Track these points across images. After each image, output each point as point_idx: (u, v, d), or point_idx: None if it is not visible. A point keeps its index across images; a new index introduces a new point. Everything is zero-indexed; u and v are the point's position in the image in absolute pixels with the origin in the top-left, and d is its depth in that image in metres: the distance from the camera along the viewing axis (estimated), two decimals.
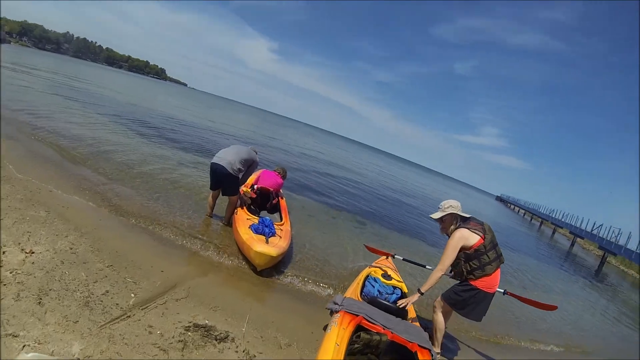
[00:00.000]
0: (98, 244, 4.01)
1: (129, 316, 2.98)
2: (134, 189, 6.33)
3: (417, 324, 3.44)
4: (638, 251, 19.81)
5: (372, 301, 3.53)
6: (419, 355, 2.77)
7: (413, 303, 3.57)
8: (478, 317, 3.64)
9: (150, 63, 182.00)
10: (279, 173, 6.72)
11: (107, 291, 3.22)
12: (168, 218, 5.49)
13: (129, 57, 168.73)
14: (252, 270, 4.62)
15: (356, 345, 2.87)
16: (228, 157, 5.39)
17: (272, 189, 6.33)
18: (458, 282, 3.69)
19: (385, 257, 5.11)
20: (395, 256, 4.95)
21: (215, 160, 5.41)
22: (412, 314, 3.69)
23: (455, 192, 53.46)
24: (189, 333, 2.98)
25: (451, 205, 3.62)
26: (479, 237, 3.43)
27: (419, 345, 2.84)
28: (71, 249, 3.75)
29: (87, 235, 4.14)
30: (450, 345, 4.43)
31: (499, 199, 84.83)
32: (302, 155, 21.91)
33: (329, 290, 4.92)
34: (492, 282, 3.49)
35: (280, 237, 4.94)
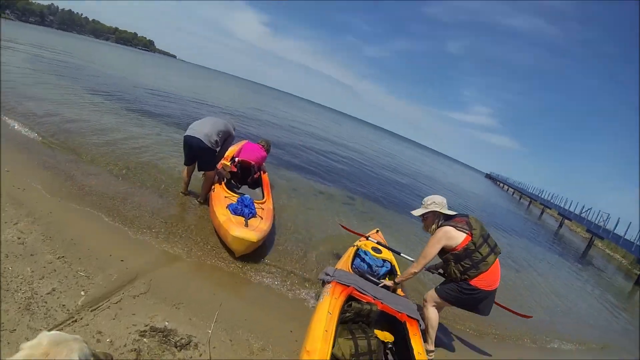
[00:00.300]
0: (51, 231, 3.54)
1: (75, 320, 2.54)
2: (102, 167, 5.76)
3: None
4: (631, 239, 20.00)
5: (362, 275, 3.71)
6: (408, 325, 2.92)
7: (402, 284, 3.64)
8: (484, 313, 3.42)
9: (139, 35, 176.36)
10: (263, 146, 6.39)
11: (54, 289, 2.78)
12: (137, 198, 4.98)
13: (116, 29, 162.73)
14: (229, 256, 4.21)
15: (347, 314, 2.92)
16: (204, 129, 4.94)
17: (254, 162, 5.96)
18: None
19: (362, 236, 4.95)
20: (369, 238, 4.72)
21: (189, 132, 4.93)
22: (399, 293, 3.68)
23: (445, 167, 54.13)
24: (144, 339, 2.57)
25: (434, 202, 3.38)
26: (465, 235, 3.16)
27: (408, 316, 3.02)
28: (19, 238, 3.28)
29: (40, 221, 3.65)
30: (444, 339, 4.13)
31: (489, 176, 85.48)
32: (291, 129, 21.21)
33: (312, 280, 4.50)
34: (492, 279, 3.20)
35: (262, 218, 4.53)
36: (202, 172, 5.19)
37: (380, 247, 4.53)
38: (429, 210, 3.39)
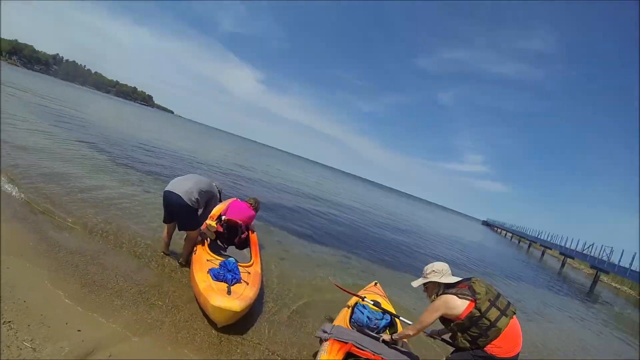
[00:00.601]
0: (3, 291, 3.11)
1: None
2: (77, 223, 5.31)
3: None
4: (637, 269, 19.57)
5: (361, 330, 3.58)
6: None
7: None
8: None
9: (138, 89, 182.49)
10: (251, 205, 6.04)
11: None
12: (110, 258, 4.50)
13: (117, 82, 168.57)
14: (210, 327, 3.71)
15: None
16: (185, 186, 4.63)
17: (241, 222, 5.60)
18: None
19: (357, 296, 4.52)
20: (365, 299, 4.34)
21: (169, 187, 4.62)
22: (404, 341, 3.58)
23: (443, 219, 53.46)
24: None
25: (433, 271, 3.14)
26: (468, 302, 2.87)
27: None
28: None
29: None
30: None
31: (486, 223, 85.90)
32: (284, 187, 20.43)
33: (306, 352, 3.96)
34: (509, 344, 2.79)
35: (247, 284, 4.11)
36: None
37: (379, 299, 4.41)
38: (428, 280, 3.15)
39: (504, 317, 2.80)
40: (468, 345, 2.87)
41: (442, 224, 41.42)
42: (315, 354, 3.14)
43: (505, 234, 58.77)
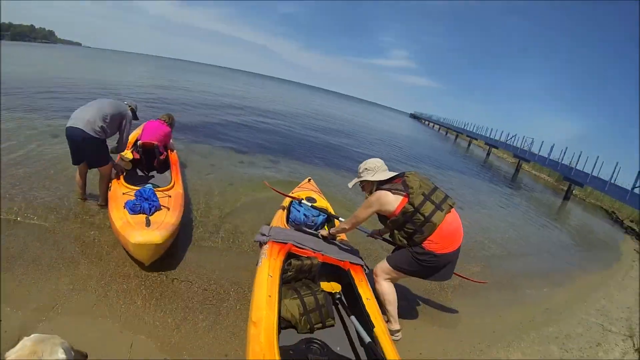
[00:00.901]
0: None
1: None
2: None
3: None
4: (555, 159, 22.63)
5: (299, 229, 3.72)
6: (352, 272, 3.08)
7: None
8: (445, 278, 3.20)
9: (37, 27, 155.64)
10: (165, 121, 5.73)
11: None
12: (22, 208, 4.17)
13: (10, 24, 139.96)
14: (138, 266, 3.53)
15: (289, 273, 2.92)
16: (86, 115, 4.10)
17: (156, 142, 5.33)
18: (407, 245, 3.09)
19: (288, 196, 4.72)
20: (302, 201, 4.44)
21: (70, 123, 4.08)
22: (342, 236, 3.83)
23: (371, 113, 55.07)
24: None
25: (366, 169, 3.20)
26: (402, 197, 2.92)
27: (351, 263, 3.19)
28: None
29: None
30: (409, 312, 3.96)
31: (413, 116, 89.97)
32: (205, 100, 19.44)
33: (244, 275, 3.88)
34: (446, 240, 2.93)
35: (168, 209, 3.91)
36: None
37: (314, 195, 4.68)
38: (362, 179, 3.23)
39: (439, 211, 2.87)
40: (405, 242, 3.01)
41: (372, 119, 43.40)
42: (257, 264, 3.08)
43: (433, 126, 62.83)
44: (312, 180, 5.52)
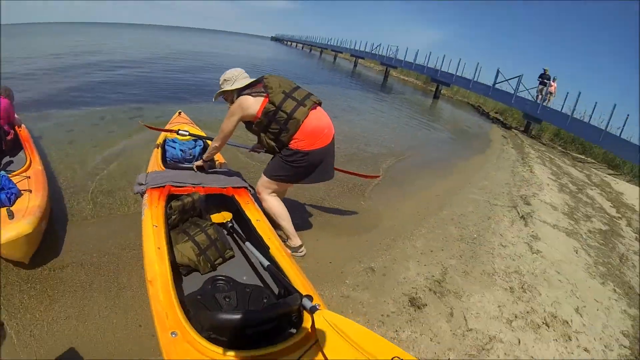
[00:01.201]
0: None
1: None
2: None
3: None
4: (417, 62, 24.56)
5: (175, 166, 3.75)
6: (237, 197, 3.09)
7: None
8: (327, 177, 3.30)
9: None
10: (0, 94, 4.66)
11: None
12: None
13: None
14: (21, 269, 2.92)
15: (173, 216, 2.83)
16: None
17: None
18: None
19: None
20: (180, 131, 4.29)
21: None
22: (220, 159, 3.96)
23: (230, 42, 53.35)
24: None
25: (225, 79, 3.19)
26: (262, 98, 2.97)
27: (233, 187, 3.20)
28: None
29: None
30: (307, 225, 3.97)
31: (275, 38, 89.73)
32: (50, 63, 16.32)
33: (135, 234, 3.39)
34: (313, 136, 2.97)
35: (31, 192, 3.33)
36: None
37: (187, 127, 4.53)
38: (222, 90, 3.20)
39: (301, 107, 2.92)
40: (274, 144, 3.05)
41: (235, 47, 41.35)
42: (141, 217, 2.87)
43: (296, 45, 63.52)
44: (182, 113, 5.42)
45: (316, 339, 1.62)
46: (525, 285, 3.37)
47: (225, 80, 3.18)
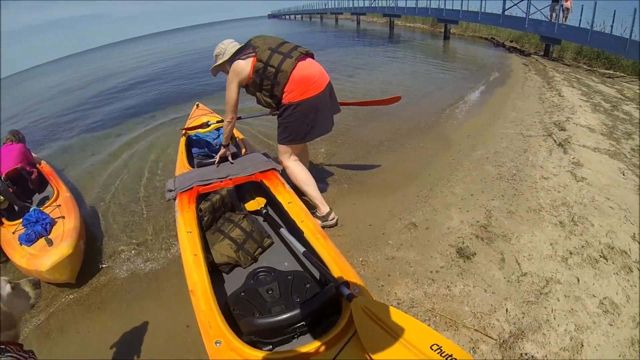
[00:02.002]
0: None
1: None
2: None
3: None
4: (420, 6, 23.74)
5: (200, 163, 3.61)
6: (265, 181, 3.00)
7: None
8: (326, 129, 3.30)
9: None
10: (11, 140, 4.86)
11: None
12: None
13: None
14: (70, 288, 3.15)
15: (205, 219, 2.76)
16: None
17: (20, 165, 4.56)
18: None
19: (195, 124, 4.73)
20: (209, 123, 4.57)
21: None
22: (238, 134, 4.11)
23: (229, 30, 53.15)
24: None
25: (217, 54, 3.28)
26: (251, 59, 3.04)
27: (260, 172, 3.09)
28: None
29: None
30: (339, 192, 3.95)
31: (272, 15, 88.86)
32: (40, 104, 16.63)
33: (167, 245, 3.56)
34: (303, 84, 2.99)
35: (64, 218, 3.58)
36: None
37: (207, 118, 4.64)
38: (217, 64, 3.27)
39: (288, 59, 2.95)
40: (270, 101, 3.11)
41: (227, 35, 40.90)
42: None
43: (295, 17, 62.12)
44: (200, 105, 5.45)
45: (355, 330, 1.58)
46: (576, 217, 3.15)
47: (217, 54, 3.26)
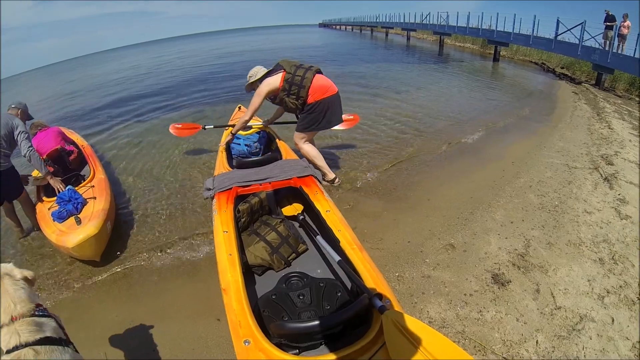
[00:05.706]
0: None
1: None
2: None
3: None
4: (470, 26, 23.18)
5: (240, 164, 3.69)
6: (304, 187, 3.01)
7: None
8: (337, 120, 4.20)
9: None
10: (45, 125, 5.12)
11: None
12: None
13: None
14: (92, 266, 3.42)
15: (242, 220, 2.81)
16: None
17: (59, 146, 4.83)
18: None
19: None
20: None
21: None
22: (279, 141, 4.37)
23: (279, 36, 53.54)
24: None
25: (250, 76, 4.19)
26: (281, 74, 3.96)
27: (298, 177, 3.12)
28: None
29: None
30: (381, 208, 4.06)
31: (322, 25, 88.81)
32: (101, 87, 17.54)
33: (198, 240, 3.74)
34: (320, 90, 3.94)
35: (95, 199, 3.78)
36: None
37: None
38: (250, 82, 4.20)
39: (308, 71, 3.94)
40: (297, 103, 3.98)
41: (280, 40, 42.02)
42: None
43: (345, 28, 61.98)
44: (242, 107, 5.54)
45: (384, 342, 1.58)
46: (616, 255, 3.08)
47: (250, 76, 4.19)
